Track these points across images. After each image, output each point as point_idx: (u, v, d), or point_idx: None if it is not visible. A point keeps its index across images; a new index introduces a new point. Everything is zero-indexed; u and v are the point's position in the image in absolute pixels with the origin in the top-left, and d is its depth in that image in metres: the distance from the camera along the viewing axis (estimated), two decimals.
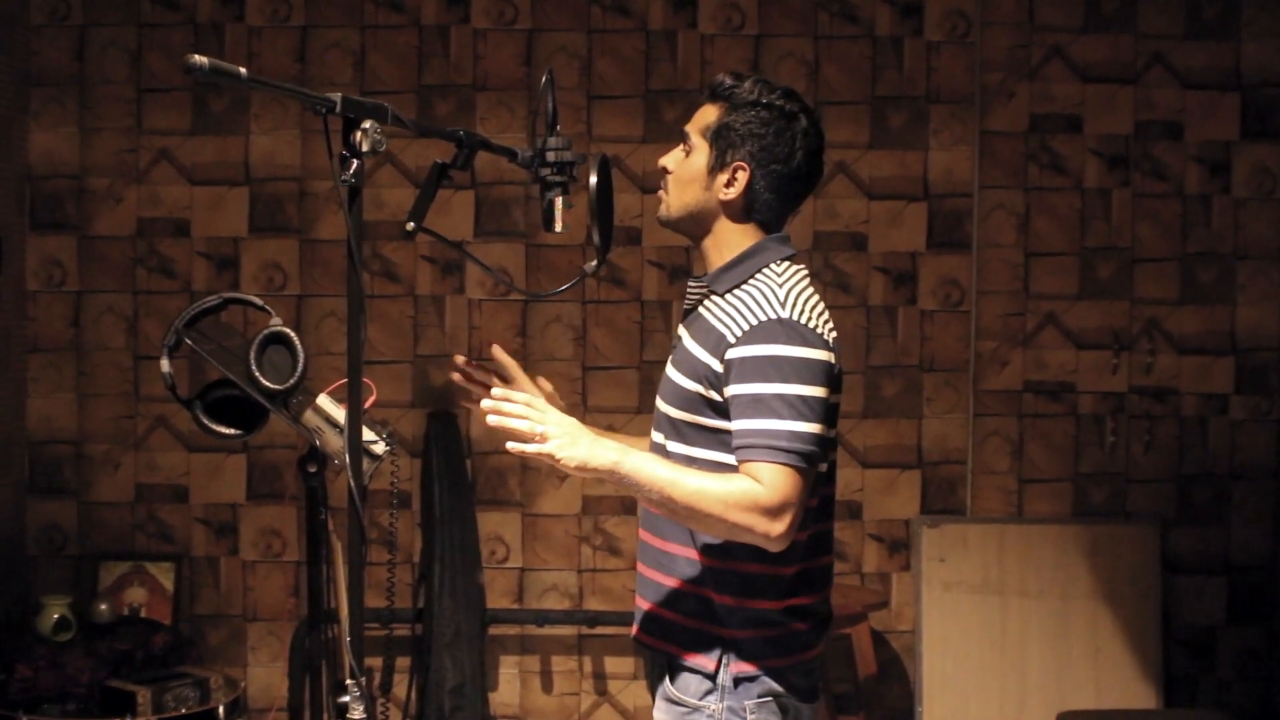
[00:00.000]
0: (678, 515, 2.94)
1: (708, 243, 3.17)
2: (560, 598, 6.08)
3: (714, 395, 3.01)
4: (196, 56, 2.53)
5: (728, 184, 3.10)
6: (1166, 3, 6.14)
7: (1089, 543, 6.06)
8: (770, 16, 6.06)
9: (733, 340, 2.98)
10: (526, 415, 2.89)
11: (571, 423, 2.92)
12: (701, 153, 3.12)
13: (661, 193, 3.21)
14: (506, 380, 3.35)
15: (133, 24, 5.99)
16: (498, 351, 3.35)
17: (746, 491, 2.87)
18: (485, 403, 2.91)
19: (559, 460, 2.87)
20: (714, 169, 3.11)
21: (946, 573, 6.04)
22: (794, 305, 2.99)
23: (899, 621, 6.15)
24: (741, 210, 3.12)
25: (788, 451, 2.88)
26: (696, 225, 3.17)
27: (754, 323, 2.98)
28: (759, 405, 2.91)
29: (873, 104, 6.10)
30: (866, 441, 6.12)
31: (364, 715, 2.90)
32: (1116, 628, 6.01)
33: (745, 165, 3.09)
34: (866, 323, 6.10)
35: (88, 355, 6.01)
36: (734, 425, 2.95)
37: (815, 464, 2.93)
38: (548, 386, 3.37)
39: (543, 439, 2.87)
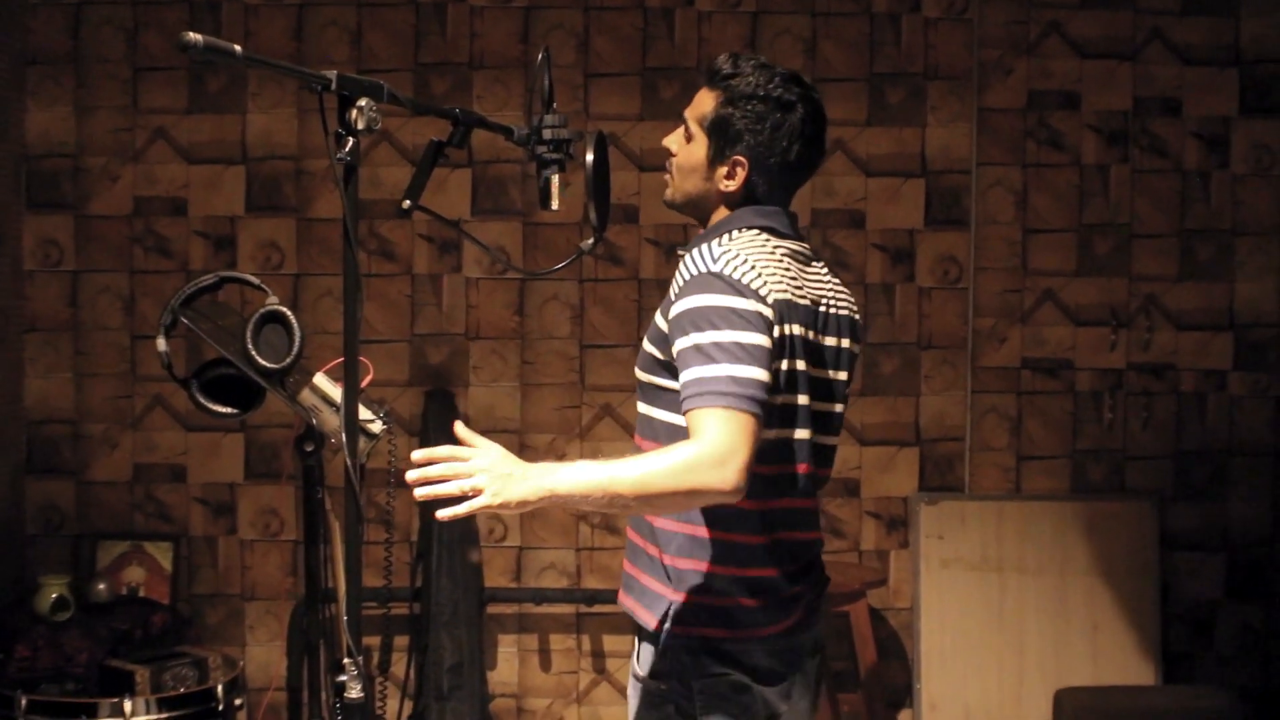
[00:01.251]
0: (631, 509, 2.86)
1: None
2: (558, 576, 6.08)
3: (663, 355, 3.00)
4: (191, 34, 2.52)
5: (727, 176, 3.10)
6: None
7: (1087, 519, 6.06)
8: None
9: (673, 298, 2.97)
10: (453, 473, 2.76)
11: (498, 457, 2.79)
12: (701, 144, 3.12)
13: (667, 176, 3.21)
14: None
15: (128, 2, 5.97)
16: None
17: (687, 455, 2.77)
18: (410, 474, 2.77)
19: (496, 507, 2.75)
20: (713, 161, 3.11)
21: (945, 550, 6.04)
22: (728, 261, 2.93)
23: (897, 599, 6.15)
24: (741, 200, 3.13)
25: (725, 395, 2.80)
26: (699, 211, 3.18)
27: (687, 278, 2.95)
28: (695, 354, 2.86)
29: (870, 81, 6.09)
30: (864, 419, 6.11)
31: (361, 694, 2.90)
32: (1115, 604, 6.02)
33: (743, 160, 3.08)
34: (864, 300, 6.09)
35: (85, 335, 6.00)
36: (679, 380, 2.91)
37: (762, 407, 2.84)
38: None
39: (475, 492, 2.75)
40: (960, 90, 6.10)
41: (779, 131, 3.08)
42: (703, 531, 3.01)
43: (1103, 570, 6.03)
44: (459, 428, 2.85)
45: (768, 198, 3.13)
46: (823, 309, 3.09)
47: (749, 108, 3.07)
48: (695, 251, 3.00)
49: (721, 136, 3.09)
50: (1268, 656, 6.19)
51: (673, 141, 3.19)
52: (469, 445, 2.82)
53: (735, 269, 2.93)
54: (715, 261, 2.94)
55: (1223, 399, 6.18)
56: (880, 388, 6.12)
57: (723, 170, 3.10)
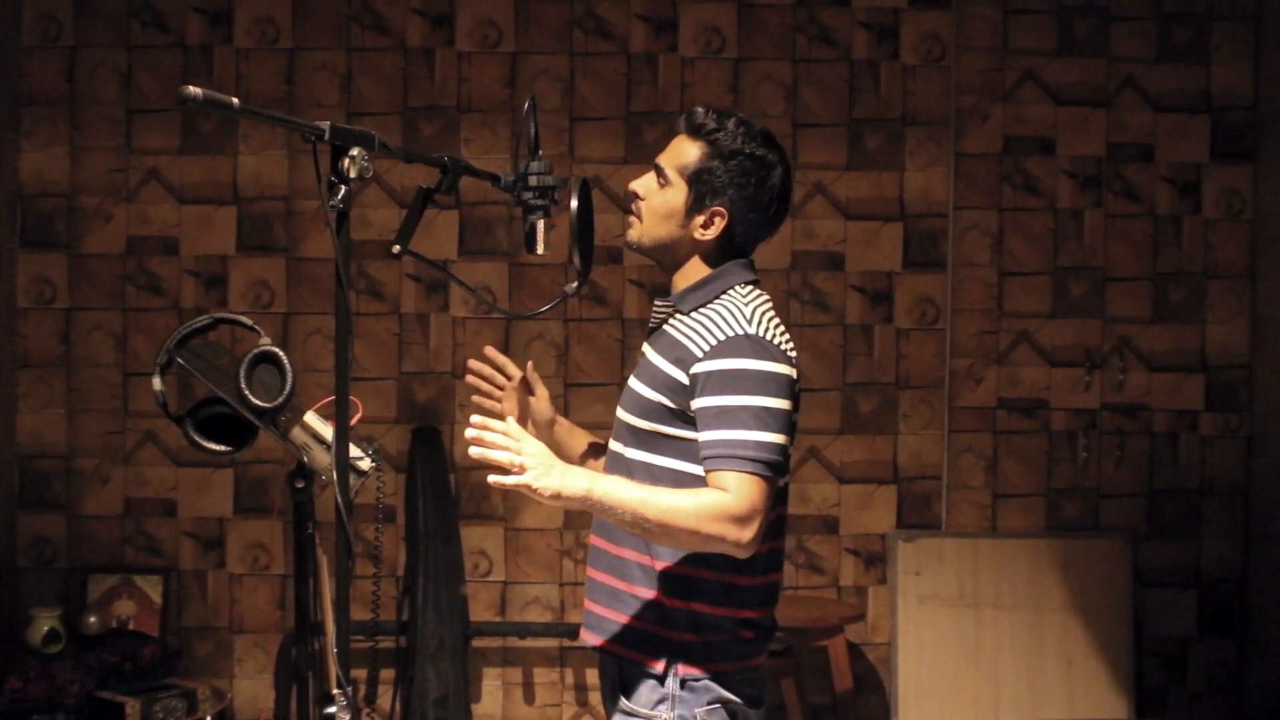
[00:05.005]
0: (650, 534, 3.01)
1: (676, 274, 3.25)
2: (542, 610, 6.16)
3: (674, 405, 3.10)
4: (191, 88, 2.60)
5: (705, 225, 3.18)
6: (1138, 27, 6.26)
7: (1062, 556, 6.15)
8: (749, 40, 6.17)
9: (699, 355, 3.07)
10: (506, 445, 2.94)
11: (544, 450, 2.97)
12: (679, 191, 3.19)
13: (633, 218, 3.27)
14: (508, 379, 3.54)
15: (123, 45, 6.07)
16: (530, 370, 3.53)
17: (716, 503, 2.95)
18: (469, 432, 2.95)
19: (536, 489, 2.91)
20: (692, 210, 3.18)
21: (922, 586, 6.13)
22: (759, 322, 3.08)
23: (875, 634, 6.24)
24: (714, 248, 3.21)
25: (754, 460, 2.97)
26: (668, 255, 3.25)
27: (721, 338, 3.07)
28: (726, 417, 3.00)
29: (850, 126, 6.21)
30: (843, 457, 6.21)
31: None
32: (1089, 640, 6.10)
33: (724, 211, 3.16)
34: (843, 341, 6.20)
35: (77, 371, 6.08)
36: (701, 436, 3.04)
37: (780, 473, 3.03)
38: (544, 394, 3.55)
39: (521, 470, 2.91)
40: (938, 135, 6.22)
41: (761, 189, 3.17)
42: (707, 574, 3.12)
43: (1077, 606, 6.12)
44: (511, 424, 3.00)
45: (740, 249, 3.22)
46: (794, 353, 3.19)
47: (734, 163, 3.15)
48: (722, 310, 3.12)
49: (704, 186, 3.16)
50: (1239, 691, 6.28)
51: (642, 185, 3.26)
52: (524, 433, 3.00)
53: (766, 331, 3.08)
54: (749, 323, 3.08)
55: (1194, 439, 6.29)
56: (859, 427, 6.22)
57: (700, 219, 3.18)
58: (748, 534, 2.96)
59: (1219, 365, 6.29)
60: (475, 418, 3.00)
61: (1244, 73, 6.27)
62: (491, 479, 2.94)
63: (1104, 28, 6.25)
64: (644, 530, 3.00)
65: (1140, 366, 6.27)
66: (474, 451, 2.95)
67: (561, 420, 3.60)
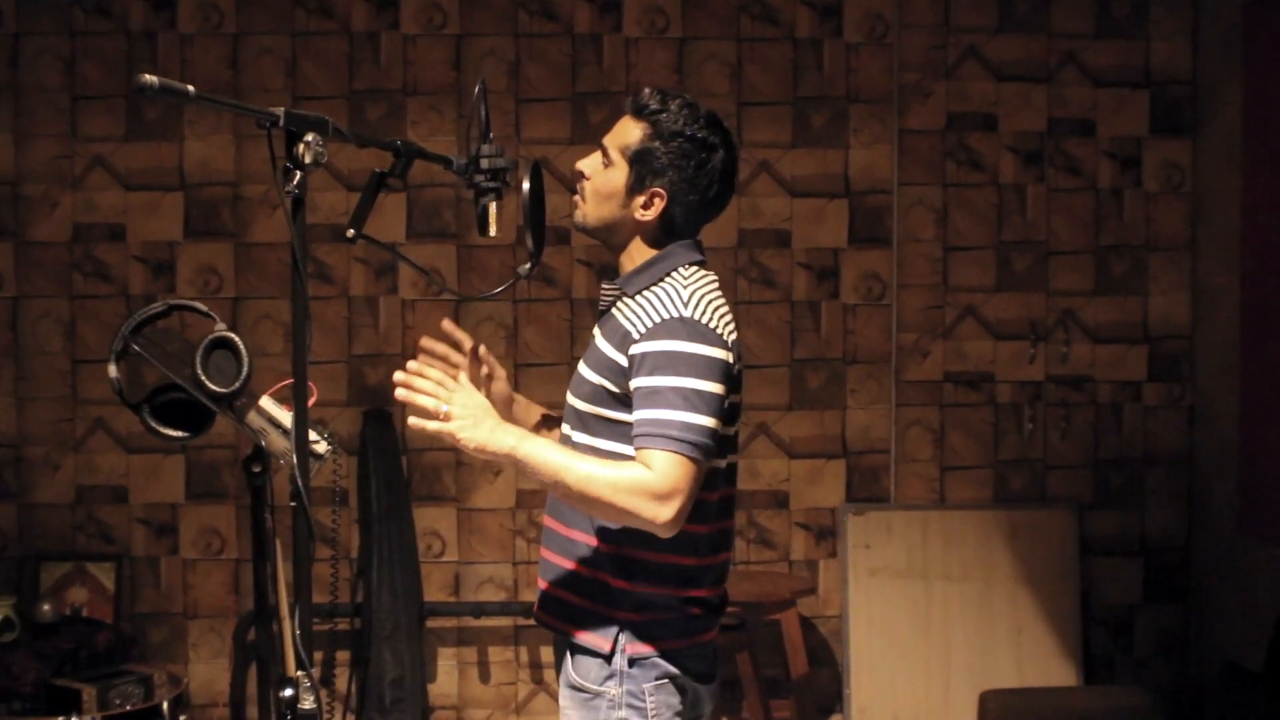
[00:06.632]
0: (571, 499, 3.05)
1: (622, 255, 3.29)
2: (496, 590, 6.19)
3: (616, 389, 3.13)
4: (147, 76, 2.63)
5: (645, 206, 3.21)
6: (1078, 3, 6.32)
7: (1009, 527, 6.23)
8: (694, 20, 6.20)
9: (637, 336, 3.10)
10: (434, 393, 2.99)
11: (478, 405, 3.01)
12: (620, 171, 3.22)
13: (578, 198, 3.31)
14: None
15: (65, 32, 6.04)
16: (485, 353, 3.47)
17: (635, 478, 2.98)
18: (398, 375, 3.00)
19: (459, 440, 2.97)
20: (632, 190, 3.21)
21: (872, 559, 6.19)
22: (696, 305, 3.11)
23: (827, 607, 6.30)
24: (656, 229, 3.24)
25: (679, 440, 2.99)
26: (612, 236, 3.28)
27: (657, 320, 3.10)
28: (656, 396, 3.03)
29: (794, 104, 6.25)
30: (792, 433, 6.26)
31: (314, 705, 3.00)
32: (1037, 609, 6.18)
33: (663, 193, 3.20)
34: (790, 317, 6.25)
35: (26, 360, 6.06)
36: (634, 415, 3.07)
37: (708, 455, 3.04)
38: (500, 373, 3.50)
39: (447, 418, 2.97)
40: (881, 113, 6.27)
41: (701, 171, 3.20)
42: (653, 556, 3.15)
43: (1025, 576, 6.20)
44: (462, 380, 3.05)
45: (682, 231, 3.25)
46: (736, 335, 3.24)
47: (674, 145, 3.18)
48: (661, 294, 3.15)
49: (644, 167, 3.19)
50: (1184, 656, 6.38)
51: (588, 165, 3.29)
52: (464, 384, 3.06)
53: (704, 314, 3.10)
54: (686, 306, 3.10)
55: (1138, 409, 6.37)
56: (807, 402, 6.27)
57: (640, 200, 3.21)
58: (666, 512, 2.98)
59: (1161, 336, 6.37)
60: (411, 364, 3.04)
61: (1183, 48, 6.34)
62: (412, 421, 2.99)
63: (1044, 4, 6.31)
64: (566, 495, 3.04)
65: (1084, 339, 6.35)
66: (400, 394, 2.99)
67: (519, 398, 3.62)
